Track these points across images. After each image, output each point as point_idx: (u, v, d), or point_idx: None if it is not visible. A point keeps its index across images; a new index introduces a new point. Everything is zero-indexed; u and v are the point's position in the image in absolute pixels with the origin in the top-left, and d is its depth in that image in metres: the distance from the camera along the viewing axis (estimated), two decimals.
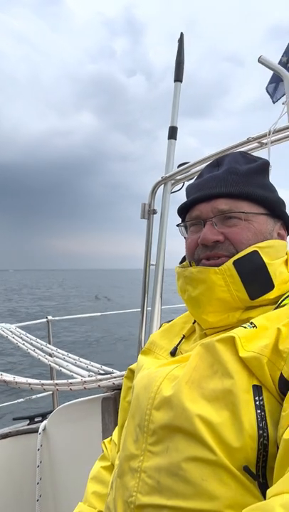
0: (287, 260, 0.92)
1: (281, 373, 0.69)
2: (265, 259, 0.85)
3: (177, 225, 1.02)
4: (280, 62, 2.18)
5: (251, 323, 0.79)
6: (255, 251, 0.85)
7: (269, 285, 0.86)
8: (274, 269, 0.86)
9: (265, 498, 0.64)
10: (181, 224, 1.00)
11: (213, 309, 0.87)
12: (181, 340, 0.99)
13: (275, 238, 0.92)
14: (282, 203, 0.96)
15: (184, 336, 1.00)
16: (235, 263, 0.84)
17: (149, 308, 2.33)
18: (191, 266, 0.91)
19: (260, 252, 0.85)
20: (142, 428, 0.78)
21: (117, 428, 1.12)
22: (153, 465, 0.73)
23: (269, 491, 0.58)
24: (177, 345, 0.98)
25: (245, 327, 0.78)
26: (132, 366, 1.10)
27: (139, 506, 0.72)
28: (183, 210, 0.99)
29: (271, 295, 0.86)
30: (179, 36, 2.36)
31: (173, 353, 0.96)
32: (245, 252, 0.85)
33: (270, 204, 0.93)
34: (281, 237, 0.95)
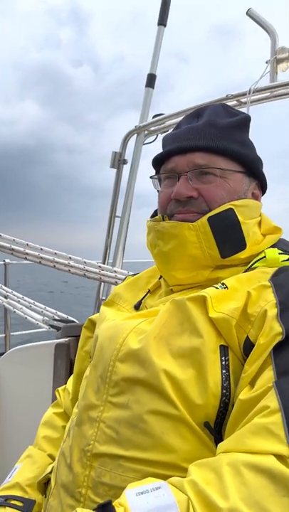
0: (260, 222, 0.90)
1: (247, 336, 0.69)
2: (240, 218, 0.83)
3: (151, 177, 0.97)
4: None
5: (223, 283, 0.78)
6: (230, 209, 0.83)
7: (242, 245, 0.84)
8: (247, 229, 0.84)
9: None
10: (155, 176, 0.95)
11: (182, 266, 0.85)
12: (146, 294, 0.98)
13: (250, 198, 0.90)
14: (259, 162, 0.93)
15: (149, 290, 0.99)
16: (209, 219, 0.82)
17: (110, 261, 2.32)
18: (163, 220, 0.87)
19: (235, 210, 0.83)
20: (104, 379, 0.77)
21: (72, 377, 1.11)
22: (113, 416, 0.73)
23: (219, 446, 0.60)
24: (142, 300, 0.96)
25: (216, 287, 0.77)
26: (92, 317, 1.07)
27: (96, 455, 0.72)
28: (158, 162, 0.94)
29: (242, 255, 0.84)
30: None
31: (137, 307, 0.95)
32: (221, 209, 0.83)
33: (247, 162, 0.89)
34: (255, 198, 0.92)
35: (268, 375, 0.61)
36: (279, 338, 0.63)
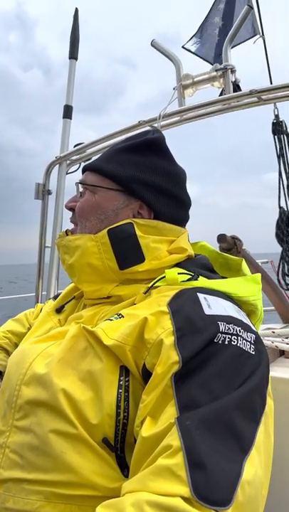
0: (172, 242, 0.91)
1: (144, 362, 0.69)
2: (138, 232, 0.86)
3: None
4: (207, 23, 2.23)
5: (119, 314, 0.79)
6: (129, 223, 0.87)
7: (139, 257, 0.86)
8: (146, 243, 0.87)
9: (121, 470, 0.67)
10: None
11: (87, 278, 0.88)
12: (71, 300, 1.00)
13: (131, 217, 0.90)
14: (139, 182, 0.91)
15: (74, 296, 1.01)
16: (109, 231, 0.86)
17: (44, 293, 2.28)
18: (67, 235, 0.94)
19: (134, 225, 0.87)
20: (10, 404, 0.76)
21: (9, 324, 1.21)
22: (17, 440, 0.72)
23: (124, 486, 0.58)
24: (64, 304, 0.99)
25: (111, 319, 0.79)
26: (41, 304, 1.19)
27: (1, 481, 0.70)
28: None
29: (140, 268, 0.86)
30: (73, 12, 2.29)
31: (58, 310, 0.98)
32: (121, 222, 0.87)
33: (120, 181, 0.91)
34: (142, 217, 0.91)
35: (171, 411, 0.60)
36: (176, 367, 0.63)
